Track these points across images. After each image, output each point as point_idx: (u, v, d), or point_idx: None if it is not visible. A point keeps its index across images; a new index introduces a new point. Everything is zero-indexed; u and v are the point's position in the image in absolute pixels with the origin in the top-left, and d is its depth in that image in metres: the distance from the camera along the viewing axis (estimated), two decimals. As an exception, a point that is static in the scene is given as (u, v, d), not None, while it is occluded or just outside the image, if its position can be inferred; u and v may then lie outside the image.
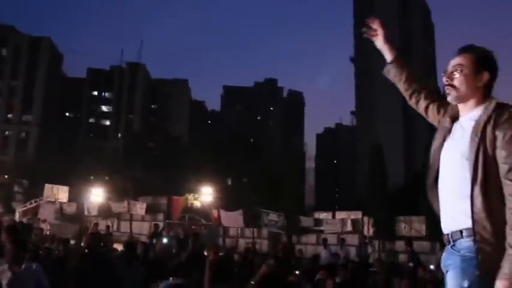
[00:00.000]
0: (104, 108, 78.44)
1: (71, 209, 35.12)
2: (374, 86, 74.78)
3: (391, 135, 71.80)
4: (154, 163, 41.88)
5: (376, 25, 2.80)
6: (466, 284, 2.16)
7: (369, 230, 26.33)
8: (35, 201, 31.88)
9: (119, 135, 70.13)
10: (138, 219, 33.21)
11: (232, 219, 28.32)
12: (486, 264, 2.12)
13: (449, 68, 2.44)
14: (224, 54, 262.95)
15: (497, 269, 2.08)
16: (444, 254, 2.37)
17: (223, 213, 27.76)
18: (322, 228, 27.17)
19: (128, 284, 5.85)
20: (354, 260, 15.99)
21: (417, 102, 2.72)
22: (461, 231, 2.25)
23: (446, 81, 2.44)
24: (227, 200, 31.11)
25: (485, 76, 2.38)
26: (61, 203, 33.90)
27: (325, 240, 16.76)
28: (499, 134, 2.20)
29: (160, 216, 36.50)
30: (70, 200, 34.90)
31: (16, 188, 39.43)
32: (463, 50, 2.44)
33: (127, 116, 76.67)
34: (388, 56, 2.80)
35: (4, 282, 4.57)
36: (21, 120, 68.67)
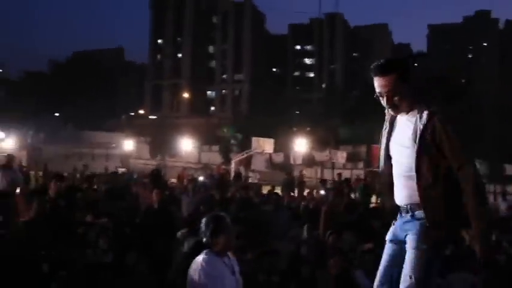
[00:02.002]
0: (307, 60, 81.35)
1: (278, 158, 38.30)
2: None
3: None
4: (354, 112, 42.49)
5: None
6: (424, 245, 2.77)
7: None
8: (247, 153, 35.45)
9: (323, 86, 72.26)
10: (340, 167, 34.57)
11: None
12: (435, 228, 2.75)
13: (380, 90, 2.89)
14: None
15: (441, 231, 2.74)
16: (400, 221, 2.94)
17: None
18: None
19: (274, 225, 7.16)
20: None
21: None
22: (417, 204, 2.83)
23: (387, 104, 2.90)
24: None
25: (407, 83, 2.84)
26: (270, 154, 37.16)
27: (504, 191, 15.71)
28: (443, 140, 2.75)
29: (361, 165, 37.46)
30: (277, 150, 38.02)
31: (232, 141, 44.33)
32: (382, 72, 2.88)
33: (329, 67, 78.46)
34: None
35: None
36: (234, 79, 75.55)
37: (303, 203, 10.73)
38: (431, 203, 2.77)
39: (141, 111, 72.82)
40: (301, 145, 36.14)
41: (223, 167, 32.74)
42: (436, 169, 2.78)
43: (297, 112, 44.74)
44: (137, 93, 78.16)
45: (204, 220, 3.47)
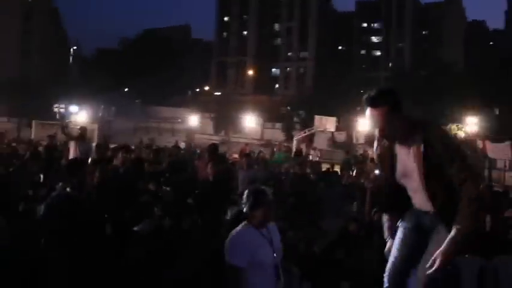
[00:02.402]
0: (374, 39, 79.33)
1: (341, 137, 38.12)
2: None
3: None
4: (422, 92, 41.20)
5: None
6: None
7: None
8: (309, 131, 35.43)
9: (390, 64, 70.42)
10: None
11: (500, 151, 26.82)
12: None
13: (372, 121, 3.00)
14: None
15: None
16: (428, 216, 3.05)
17: (489, 144, 26.50)
18: None
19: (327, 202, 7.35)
20: None
21: None
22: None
23: (380, 134, 3.06)
24: (494, 131, 29.26)
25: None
26: (333, 132, 37.00)
27: None
28: (442, 156, 2.87)
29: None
30: (339, 129, 37.75)
31: (295, 119, 44.35)
32: (374, 105, 2.96)
33: (397, 45, 76.19)
34: None
35: None
36: (299, 57, 75.14)
37: (357, 182, 10.83)
38: (450, 219, 2.84)
39: (207, 88, 74.13)
40: (364, 124, 35.71)
41: (285, 144, 33.04)
42: (445, 185, 2.89)
43: (362, 91, 43.62)
44: (203, 70, 79.51)
45: (245, 193, 3.57)
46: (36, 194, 7.03)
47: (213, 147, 7.81)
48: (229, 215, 4.37)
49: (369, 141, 35.15)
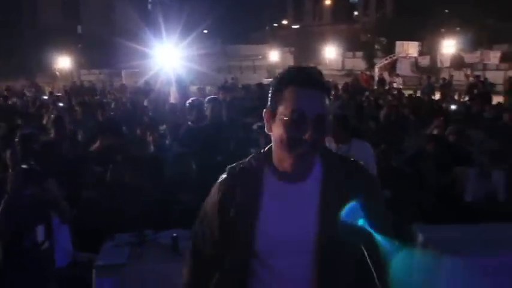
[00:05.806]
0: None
1: (424, 62, 37.13)
2: None
3: None
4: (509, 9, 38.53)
5: None
6: None
7: None
8: (391, 57, 34.81)
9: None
10: (492, 69, 32.58)
11: None
12: None
13: None
14: None
15: None
16: None
17: None
18: None
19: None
20: None
21: None
22: None
23: None
24: None
25: None
26: (416, 57, 36.14)
27: None
28: None
29: (516, 65, 34.81)
30: (422, 53, 36.69)
31: (376, 46, 43.32)
32: None
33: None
34: None
35: None
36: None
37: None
38: None
39: (284, 22, 73.53)
40: (449, 46, 34.61)
41: (367, 72, 32.92)
42: None
43: (446, 11, 41.33)
44: (279, 4, 78.48)
45: None
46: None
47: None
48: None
49: (455, 63, 34.23)
